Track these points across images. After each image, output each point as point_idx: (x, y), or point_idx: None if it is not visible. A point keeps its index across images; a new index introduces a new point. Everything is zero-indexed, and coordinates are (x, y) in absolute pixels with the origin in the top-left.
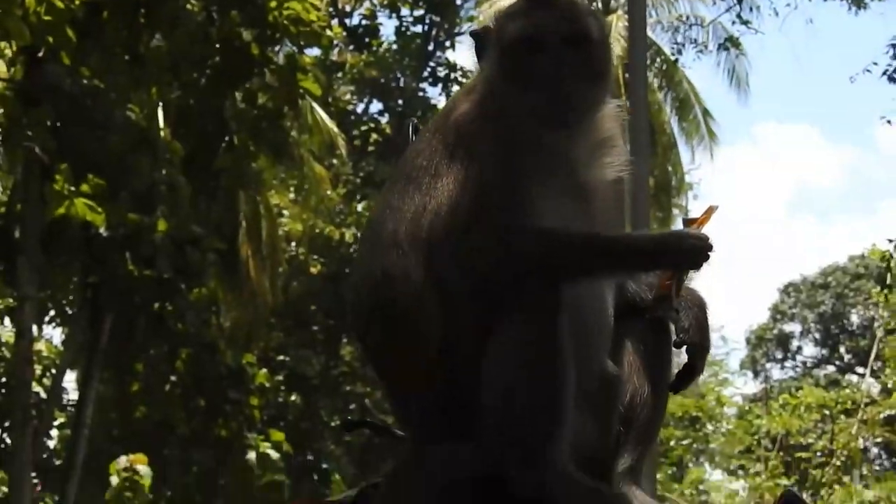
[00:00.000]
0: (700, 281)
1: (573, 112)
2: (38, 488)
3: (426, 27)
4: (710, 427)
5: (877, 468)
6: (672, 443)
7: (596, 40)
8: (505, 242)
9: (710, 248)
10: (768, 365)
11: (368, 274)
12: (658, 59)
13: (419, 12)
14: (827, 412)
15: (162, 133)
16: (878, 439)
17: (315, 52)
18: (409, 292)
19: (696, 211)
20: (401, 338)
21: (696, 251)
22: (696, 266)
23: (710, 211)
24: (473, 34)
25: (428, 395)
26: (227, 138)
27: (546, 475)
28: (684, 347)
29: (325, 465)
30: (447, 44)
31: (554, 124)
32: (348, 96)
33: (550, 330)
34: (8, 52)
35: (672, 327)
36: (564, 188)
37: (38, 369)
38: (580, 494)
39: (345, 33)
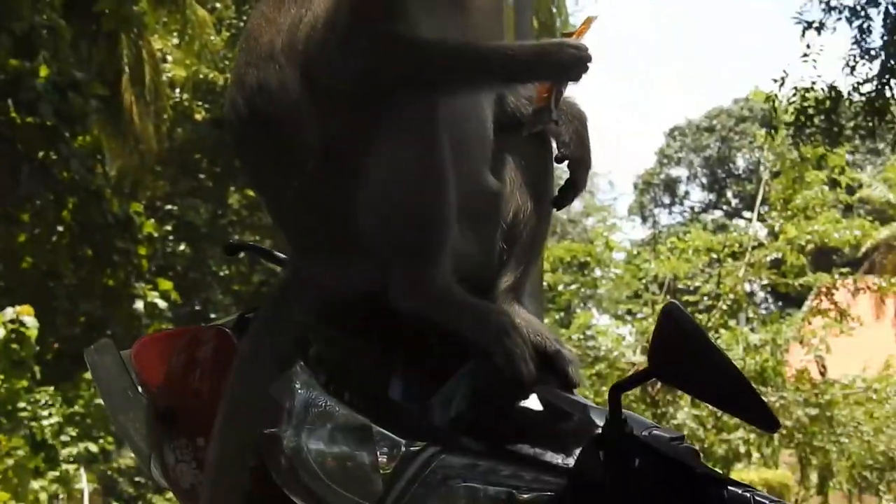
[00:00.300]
0: (578, 93)
1: None
2: None
3: None
4: (597, 272)
5: (763, 311)
6: (560, 287)
7: None
8: (380, 52)
9: (588, 58)
10: (656, 210)
11: (245, 86)
12: None
13: None
14: (714, 256)
15: None
16: (764, 282)
17: None
18: (286, 103)
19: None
20: (278, 150)
21: (574, 61)
22: (576, 77)
23: (589, 21)
24: None
25: (307, 212)
26: None
27: (428, 292)
28: (566, 162)
29: (213, 315)
30: None
31: None
32: None
33: (429, 143)
34: None
35: (553, 142)
36: (445, 3)
37: None
38: (462, 311)
39: None
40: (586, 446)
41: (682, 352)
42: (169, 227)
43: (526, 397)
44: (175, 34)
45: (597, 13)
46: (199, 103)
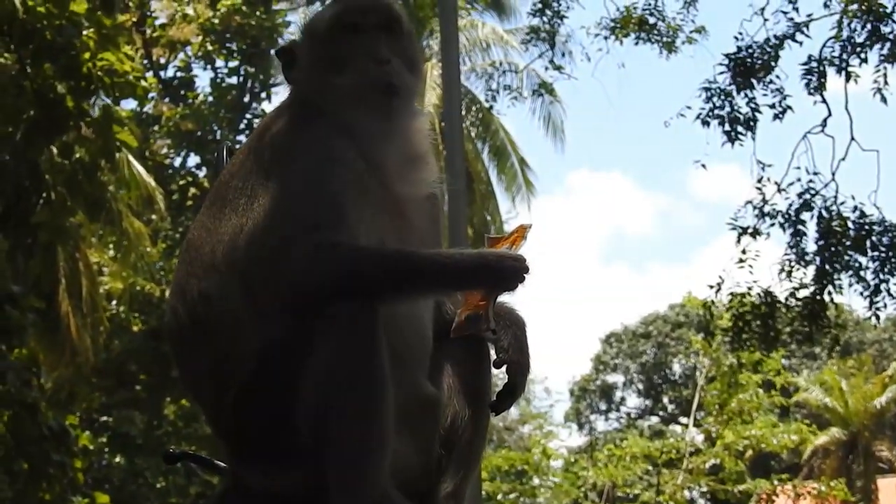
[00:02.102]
0: (519, 301)
1: (395, 95)
2: None
3: (241, 78)
4: (536, 480)
5: None
6: (499, 497)
7: (408, 28)
8: (317, 262)
9: (527, 269)
10: (593, 416)
11: (186, 295)
12: (474, 108)
13: (234, 63)
14: (651, 465)
15: None
16: (704, 489)
17: (130, 104)
18: (226, 313)
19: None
20: (218, 357)
21: (513, 272)
22: (513, 288)
23: (523, 230)
24: (280, 51)
25: (245, 420)
26: (43, 193)
27: (367, 497)
28: (504, 367)
29: None
30: (262, 95)
31: (377, 106)
32: (165, 150)
33: (367, 350)
34: None
35: (491, 347)
36: (378, 203)
37: None
38: None
39: (160, 85)
40: None
41: None
42: (104, 439)
43: None
44: (111, 246)
45: (531, 221)
46: (136, 315)
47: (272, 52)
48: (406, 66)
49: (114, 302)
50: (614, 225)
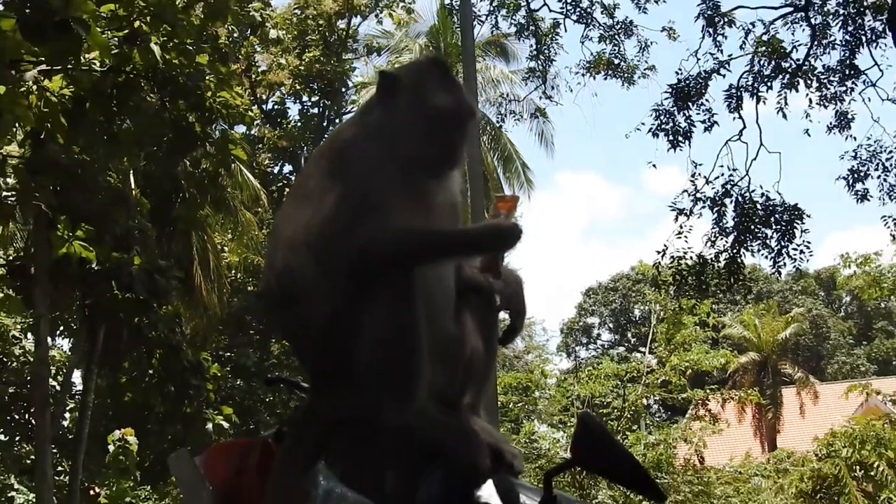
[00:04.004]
0: (516, 260)
1: (454, 168)
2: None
3: (321, 109)
4: (537, 393)
5: (657, 419)
6: (510, 405)
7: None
8: (371, 240)
9: (520, 232)
10: (577, 348)
11: (273, 268)
12: (488, 128)
13: (315, 98)
14: (619, 381)
15: (133, 192)
16: (657, 398)
17: (241, 129)
18: (305, 282)
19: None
20: (300, 317)
21: (511, 235)
22: (512, 247)
23: (515, 199)
24: (385, 74)
25: (322, 358)
26: (180, 194)
27: (410, 411)
28: (508, 312)
29: (263, 432)
30: (337, 120)
31: (436, 174)
32: (267, 162)
33: (409, 305)
34: (19, 135)
35: (497, 298)
36: (417, 206)
37: (52, 369)
38: (436, 424)
39: (262, 115)
40: None
41: (595, 446)
42: (228, 369)
43: (484, 482)
44: (230, 231)
45: (519, 195)
46: (250, 279)
47: (377, 70)
48: (466, 145)
49: (233, 271)
50: (591, 212)
